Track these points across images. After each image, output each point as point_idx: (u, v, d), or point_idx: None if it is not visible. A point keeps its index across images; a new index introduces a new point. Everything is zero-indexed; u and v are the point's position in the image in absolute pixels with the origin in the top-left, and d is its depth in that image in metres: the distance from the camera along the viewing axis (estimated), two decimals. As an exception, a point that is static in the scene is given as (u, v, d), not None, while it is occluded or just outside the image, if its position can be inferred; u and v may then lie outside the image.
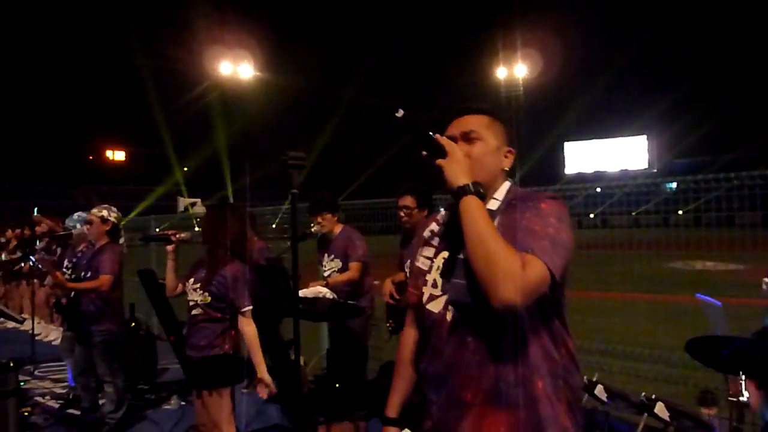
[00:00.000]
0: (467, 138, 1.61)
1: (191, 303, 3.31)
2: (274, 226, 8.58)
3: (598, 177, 48.29)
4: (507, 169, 1.66)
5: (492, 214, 1.54)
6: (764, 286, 2.38)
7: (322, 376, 5.11)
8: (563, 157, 55.31)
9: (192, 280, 3.33)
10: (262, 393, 3.23)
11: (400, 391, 1.82)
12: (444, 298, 1.58)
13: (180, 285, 3.47)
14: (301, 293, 3.81)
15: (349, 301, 4.16)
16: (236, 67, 32.29)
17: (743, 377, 1.97)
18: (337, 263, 4.48)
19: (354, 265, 4.36)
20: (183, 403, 5.01)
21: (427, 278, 1.64)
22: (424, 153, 1.50)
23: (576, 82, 46.94)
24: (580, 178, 47.20)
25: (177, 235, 3.58)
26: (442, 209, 1.78)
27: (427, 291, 1.63)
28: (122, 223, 6.57)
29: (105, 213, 4.44)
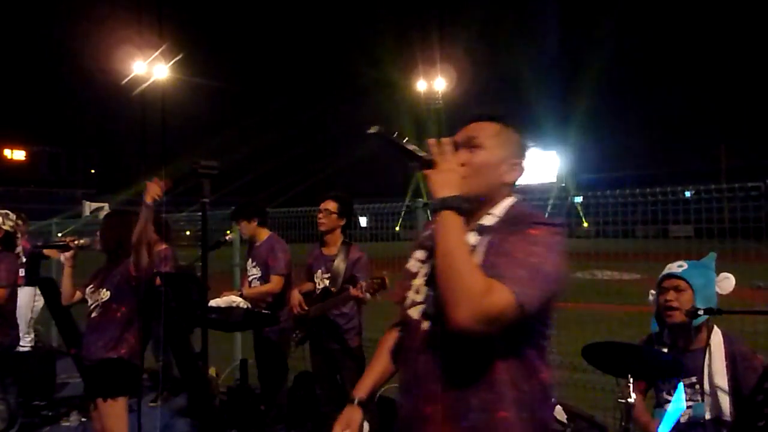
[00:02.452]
0: (470, 145, 1.53)
1: (91, 306, 3.21)
2: (188, 233, 8.32)
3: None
4: (510, 182, 1.56)
5: (485, 229, 1.48)
6: (650, 297, 2.57)
7: (235, 387, 5.00)
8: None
9: (91, 286, 3.23)
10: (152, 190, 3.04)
11: (372, 376, 1.73)
12: (422, 307, 1.53)
13: (78, 293, 3.34)
14: (214, 303, 3.73)
15: (264, 311, 4.11)
16: (151, 68, 31.05)
17: (631, 380, 2.13)
18: (258, 271, 4.42)
19: (275, 279, 4.26)
20: (83, 419, 4.73)
21: (413, 282, 1.58)
22: (412, 163, 1.45)
23: (490, 97, 48.78)
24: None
25: (75, 242, 3.44)
26: None
27: (410, 296, 1.58)
28: (30, 228, 6.19)
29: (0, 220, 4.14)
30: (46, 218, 9.30)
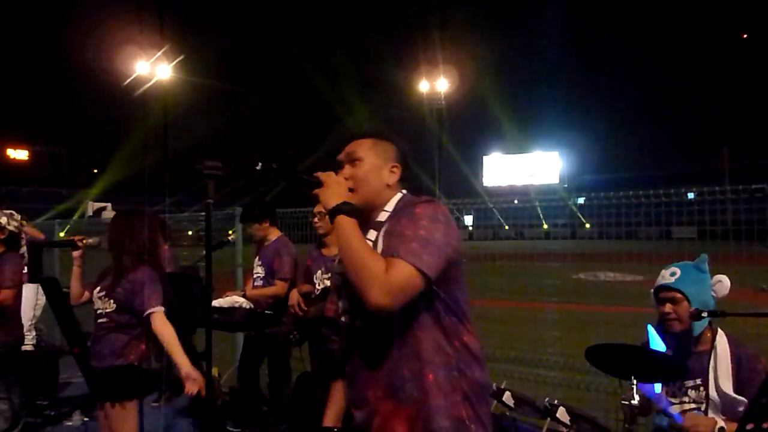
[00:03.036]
0: (350, 160, 1.78)
1: (98, 312, 3.18)
2: (190, 233, 8.32)
3: (513, 190, 50.21)
4: (391, 183, 1.78)
5: (380, 225, 1.70)
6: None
7: (237, 388, 5.00)
8: (482, 170, 57.13)
9: (98, 288, 3.20)
10: (192, 388, 2.98)
11: (335, 403, 1.91)
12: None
13: (86, 293, 3.32)
14: (217, 303, 3.73)
15: (267, 311, 4.11)
16: (154, 68, 31.05)
17: (634, 382, 2.13)
18: (262, 271, 4.41)
19: (279, 284, 4.24)
20: (86, 419, 4.74)
21: (340, 293, 1.77)
22: (302, 187, 1.67)
23: (495, 100, 48.73)
24: (497, 191, 48.93)
25: (84, 241, 3.42)
26: None
27: (341, 305, 1.76)
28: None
29: (4, 220, 4.13)
30: (48, 218, 9.29)
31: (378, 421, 1.61)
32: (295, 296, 4.01)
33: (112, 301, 3.12)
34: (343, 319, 1.73)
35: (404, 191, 1.80)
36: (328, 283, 3.87)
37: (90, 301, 3.30)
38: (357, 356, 1.69)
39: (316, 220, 3.96)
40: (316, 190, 1.65)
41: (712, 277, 2.44)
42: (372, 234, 1.70)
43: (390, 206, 1.74)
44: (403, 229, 1.57)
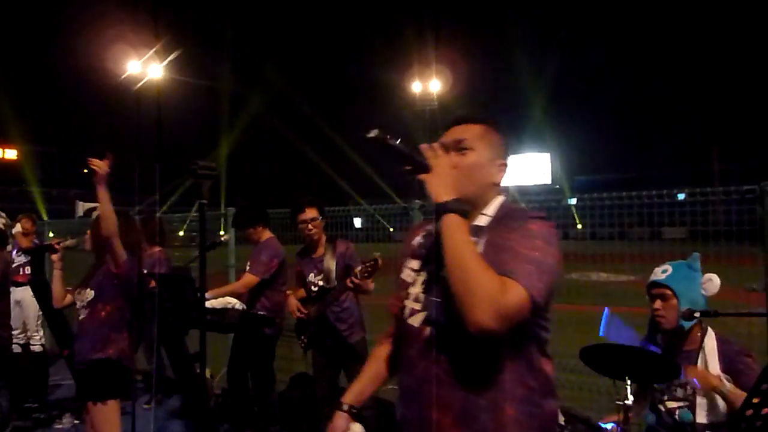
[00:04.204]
0: (458, 147, 1.55)
1: (79, 307, 3.20)
2: (181, 233, 8.27)
3: (507, 190, 50.28)
4: (498, 182, 1.59)
5: (480, 230, 1.50)
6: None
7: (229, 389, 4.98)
8: (473, 171, 57.27)
9: (79, 288, 3.22)
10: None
11: (362, 382, 1.75)
12: (423, 315, 1.53)
13: (68, 296, 3.34)
14: (209, 304, 3.71)
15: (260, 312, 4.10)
16: (145, 67, 30.88)
17: (628, 382, 2.14)
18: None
19: (246, 276, 4.16)
20: (76, 421, 4.70)
21: (410, 291, 1.58)
22: (406, 168, 1.44)
23: (485, 100, 48.93)
24: (489, 192, 48.95)
25: (61, 243, 3.43)
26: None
27: (408, 305, 1.57)
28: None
29: None
30: (40, 219, 9.21)
31: None
32: (293, 302, 4.01)
33: (89, 289, 3.14)
34: (416, 324, 1.53)
35: (505, 194, 1.60)
36: (321, 283, 3.87)
37: (73, 304, 3.31)
38: (426, 370, 1.47)
39: (310, 227, 3.91)
40: (423, 176, 1.41)
41: (703, 275, 2.45)
42: None
43: (491, 210, 1.54)
44: (516, 246, 1.37)
